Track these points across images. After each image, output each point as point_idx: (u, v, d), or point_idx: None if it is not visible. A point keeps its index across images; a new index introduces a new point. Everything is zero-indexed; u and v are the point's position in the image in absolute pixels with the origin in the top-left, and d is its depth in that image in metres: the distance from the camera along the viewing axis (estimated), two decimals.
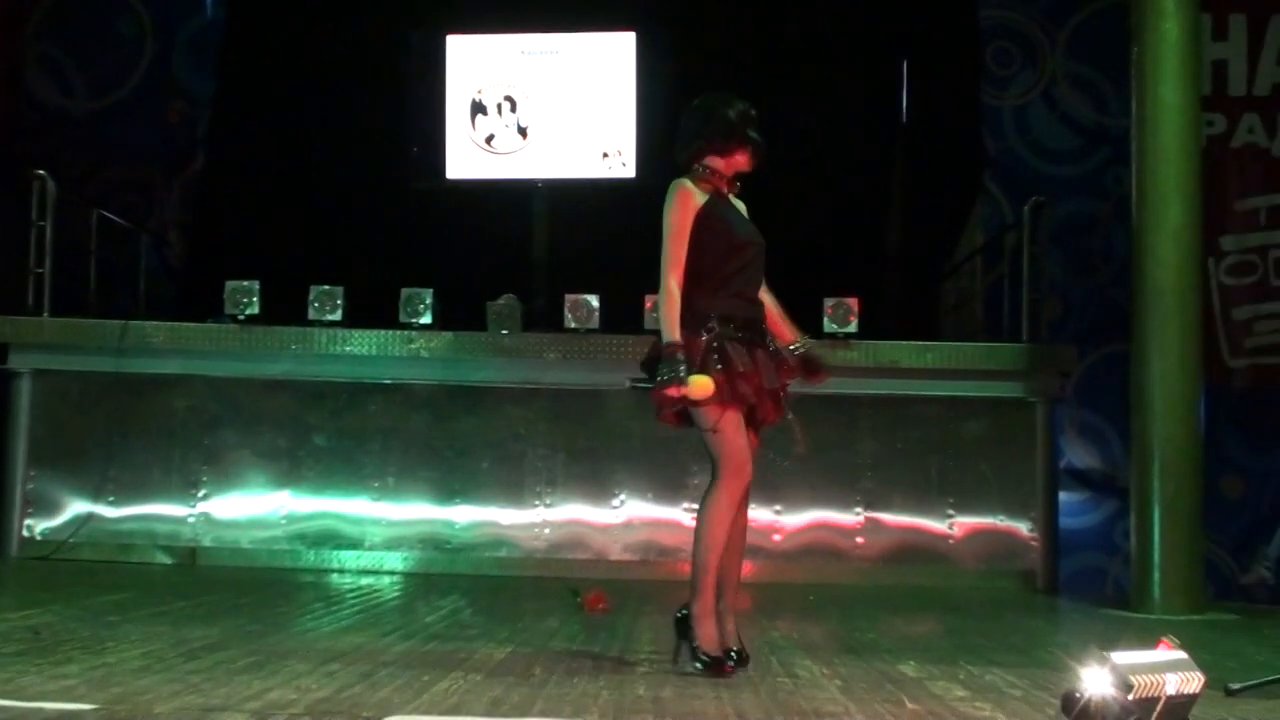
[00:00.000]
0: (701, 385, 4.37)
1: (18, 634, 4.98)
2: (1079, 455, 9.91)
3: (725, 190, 4.66)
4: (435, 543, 8.33)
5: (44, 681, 3.99)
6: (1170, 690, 3.31)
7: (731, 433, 4.46)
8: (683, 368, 4.39)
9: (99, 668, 4.27)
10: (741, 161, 4.64)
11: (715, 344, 4.45)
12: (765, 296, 4.74)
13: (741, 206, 4.75)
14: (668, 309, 4.50)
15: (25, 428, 8.31)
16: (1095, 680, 3.17)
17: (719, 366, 4.42)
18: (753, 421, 4.57)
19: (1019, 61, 10.33)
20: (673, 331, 4.47)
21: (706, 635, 4.49)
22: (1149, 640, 3.56)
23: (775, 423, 4.63)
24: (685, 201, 4.56)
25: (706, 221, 4.55)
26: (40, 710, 3.57)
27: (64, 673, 4.16)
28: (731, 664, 4.51)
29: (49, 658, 4.44)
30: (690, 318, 4.50)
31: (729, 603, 4.62)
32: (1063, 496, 8.81)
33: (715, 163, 4.64)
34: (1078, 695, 3.19)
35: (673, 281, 4.52)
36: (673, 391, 4.38)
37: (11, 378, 8.32)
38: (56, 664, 4.32)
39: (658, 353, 4.51)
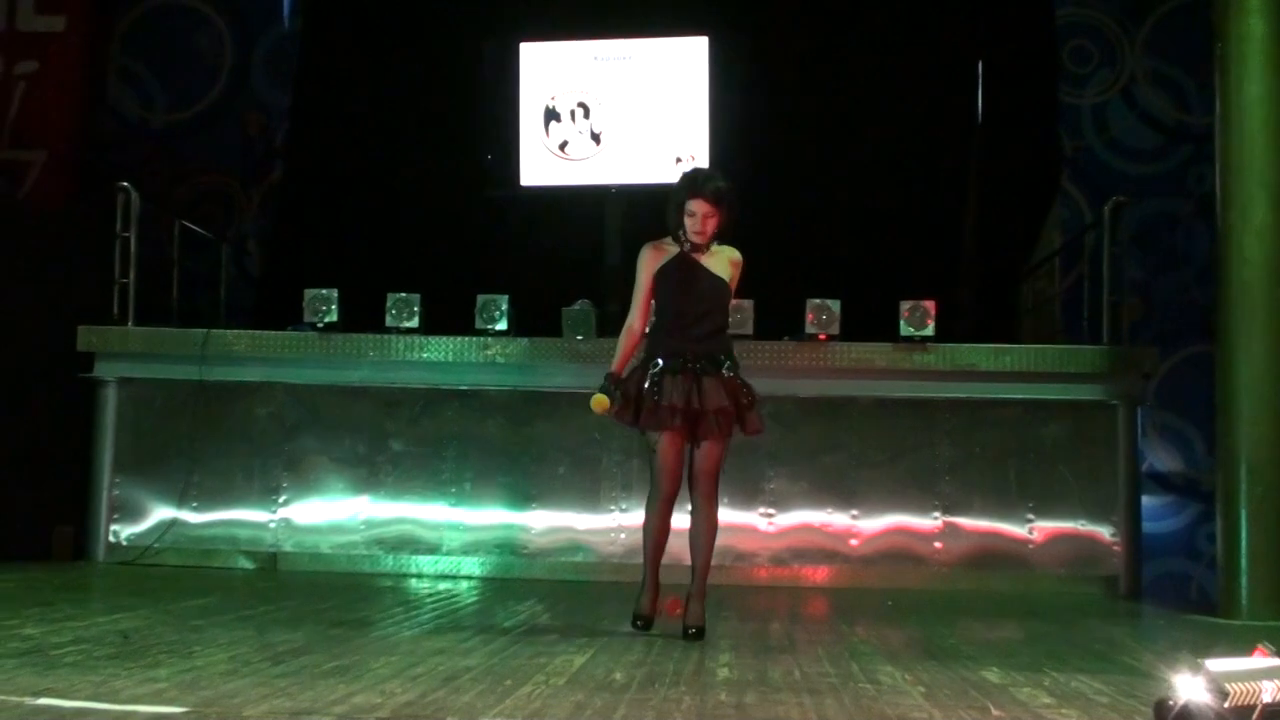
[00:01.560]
0: (596, 401, 5.49)
1: (108, 638, 5.07)
2: (1161, 458, 9.77)
3: (696, 250, 5.56)
4: (512, 548, 8.37)
5: (135, 685, 4.06)
6: (1267, 698, 3.25)
7: (661, 451, 5.54)
8: (598, 390, 5.52)
9: (188, 671, 4.34)
10: (691, 225, 5.51)
11: (655, 377, 5.50)
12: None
13: (718, 258, 5.60)
14: (619, 344, 5.69)
15: (111, 435, 8.46)
16: (1189, 687, 3.12)
17: (656, 396, 5.47)
18: (694, 438, 5.56)
19: (1097, 59, 10.21)
20: (614, 364, 5.64)
21: (643, 602, 5.74)
22: (1238, 647, 3.50)
23: (724, 436, 5.55)
24: (644, 262, 5.65)
25: (661, 279, 5.60)
26: (133, 713, 3.64)
27: (154, 676, 4.22)
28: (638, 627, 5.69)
29: (139, 661, 4.51)
30: (646, 353, 5.62)
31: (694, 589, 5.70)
32: (1144, 500, 8.67)
33: (679, 229, 5.57)
34: (1171, 703, 3.14)
35: (629, 324, 5.68)
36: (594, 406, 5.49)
37: (97, 386, 8.47)
38: (146, 667, 4.39)
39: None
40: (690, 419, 5.50)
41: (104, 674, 4.22)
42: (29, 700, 3.74)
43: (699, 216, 5.51)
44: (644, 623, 5.74)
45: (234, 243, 10.59)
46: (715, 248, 5.62)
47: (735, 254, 5.67)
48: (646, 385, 5.52)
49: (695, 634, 5.56)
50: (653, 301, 5.67)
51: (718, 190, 5.53)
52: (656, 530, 5.70)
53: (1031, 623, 6.71)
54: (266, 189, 10.80)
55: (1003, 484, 8.24)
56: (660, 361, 5.53)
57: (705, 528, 5.69)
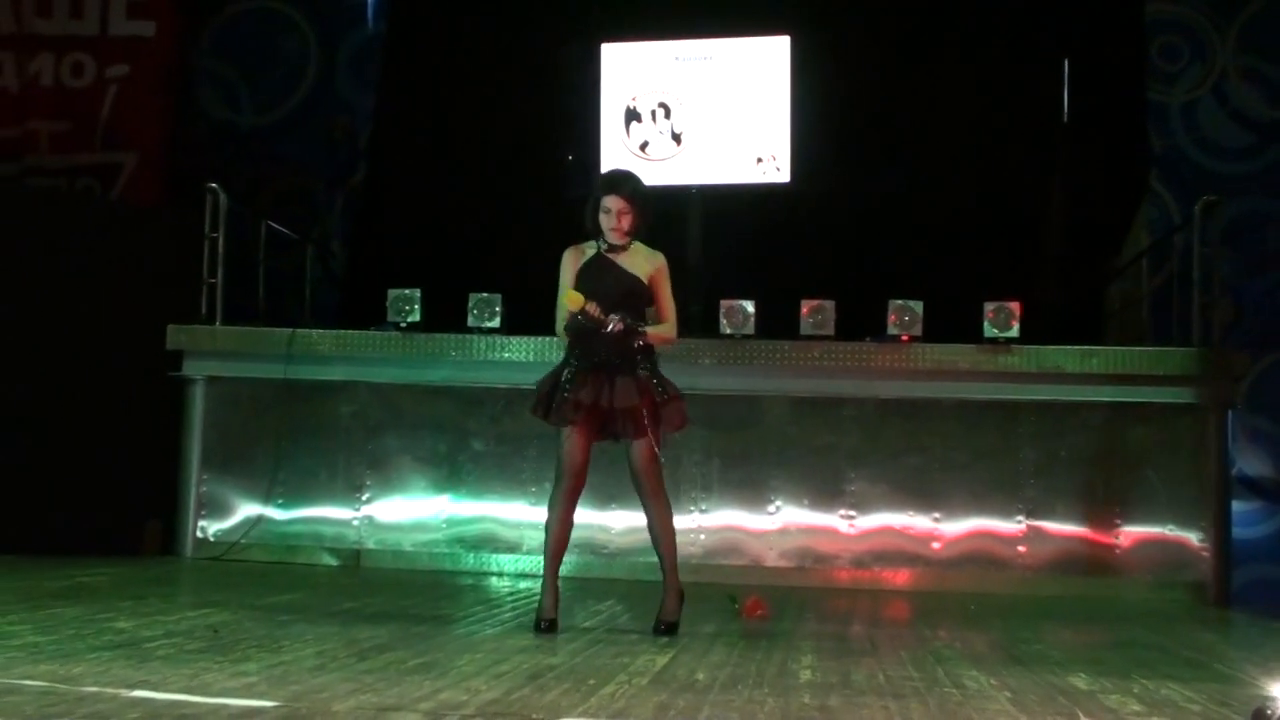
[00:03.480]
0: (570, 297, 5.53)
1: (198, 632, 5.16)
2: (1251, 463, 9.57)
3: (613, 250, 5.72)
4: (592, 547, 8.38)
5: (226, 679, 4.12)
6: None
7: (567, 447, 5.63)
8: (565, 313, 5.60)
9: (276, 666, 4.40)
10: (607, 222, 5.69)
11: (569, 374, 5.62)
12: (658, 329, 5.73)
13: (636, 257, 5.73)
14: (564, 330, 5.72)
15: (198, 433, 8.61)
16: None
17: (565, 393, 5.57)
18: (614, 437, 5.71)
19: (1187, 56, 10.03)
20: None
21: (545, 604, 5.68)
22: None
23: (643, 436, 5.63)
24: (566, 263, 5.79)
25: (579, 278, 5.69)
26: (225, 706, 3.69)
27: (244, 670, 4.29)
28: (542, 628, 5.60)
29: (228, 655, 4.58)
30: (565, 351, 5.75)
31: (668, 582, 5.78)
32: (1234, 505, 8.50)
33: (596, 229, 5.76)
34: (1270, 712, 3.07)
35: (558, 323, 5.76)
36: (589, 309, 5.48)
37: (186, 384, 8.62)
38: (236, 661, 4.46)
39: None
40: (599, 417, 5.61)
41: (195, 667, 4.30)
42: (124, 692, 3.82)
43: (614, 213, 5.68)
44: (547, 625, 5.63)
45: (319, 243, 10.70)
46: (634, 247, 5.76)
47: (656, 255, 5.80)
48: (560, 381, 5.64)
49: (666, 629, 5.67)
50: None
51: (633, 189, 5.74)
52: (555, 530, 5.71)
53: (1118, 629, 6.61)
54: (351, 190, 10.91)
55: (1089, 488, 8.12)
56: (574, 360, 5.65)
57: (659, 525, 5.79)
